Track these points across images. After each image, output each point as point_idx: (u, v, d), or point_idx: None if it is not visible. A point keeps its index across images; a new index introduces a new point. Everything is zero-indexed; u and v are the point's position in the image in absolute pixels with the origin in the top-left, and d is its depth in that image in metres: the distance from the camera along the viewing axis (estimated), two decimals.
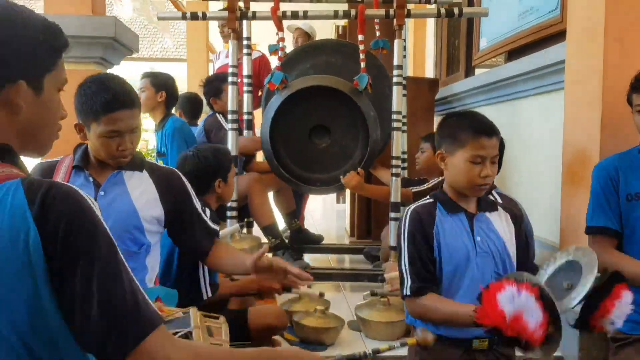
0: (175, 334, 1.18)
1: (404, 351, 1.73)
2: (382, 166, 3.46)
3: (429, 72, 5.59)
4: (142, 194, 1.78)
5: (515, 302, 1.35)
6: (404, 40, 3.23)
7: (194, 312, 1.30)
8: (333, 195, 7.50)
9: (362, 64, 3.06)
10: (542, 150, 2.94)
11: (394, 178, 3.00)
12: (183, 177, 1.87)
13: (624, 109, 1.92)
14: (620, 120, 2.03)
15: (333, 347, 2.26)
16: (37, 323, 0.84)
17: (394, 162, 3.00)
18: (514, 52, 3.47)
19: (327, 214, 7.14)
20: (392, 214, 3.00)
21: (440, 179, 3.17)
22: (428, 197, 1.75)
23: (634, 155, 1.89)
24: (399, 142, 3.07)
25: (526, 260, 1.74)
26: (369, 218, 4.36)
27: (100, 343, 0.85)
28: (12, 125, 0.92)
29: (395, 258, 2.95)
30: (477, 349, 1.62)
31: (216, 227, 1.97)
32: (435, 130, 1.78)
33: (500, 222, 1.70)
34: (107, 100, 1.65)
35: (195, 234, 1.88)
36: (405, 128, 3.59)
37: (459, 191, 1.67)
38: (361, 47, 3.07)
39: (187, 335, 1.22)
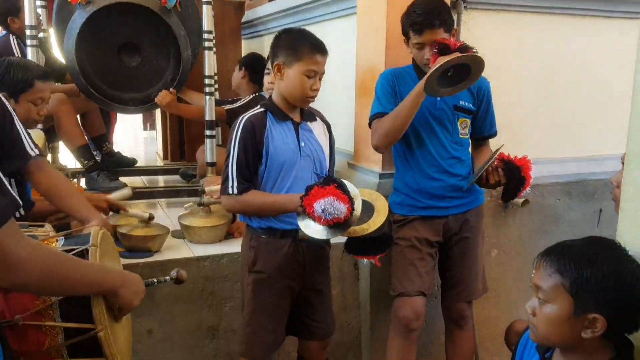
0: (70, 250, 1.23)
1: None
2: (190, 89, 3.54)
3: None
4: None
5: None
6: None
7: (94, 231, 1.33)
8: (140, 123, 7.30)
9: None
10: (338, 69, 3.28)
11: (207, 97, 3.12)
12: None
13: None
14: (402, 40, 2.40)
15: (160, 253, 2.40)
16: None
17: (207, 81, 3.11)
18: None
19: (135, 140, 6.96)
20: (208, 132, 3.15)
21: (251, 97, 3.38)
22: (259, 106, 1.95)
23: (409, 71, 2.29)
24: (211, 62, 3.17)
25: (332, 166, 2.09)
26: (182, 141, 4.43)
27: None
28: None
29: (213, 173, 3.16)
30: (302, 238, 1.92)
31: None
32: (271, 43, 1.94)
33: (319, 131, 2.02)
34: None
35: None
36: (214, 49, 3.68)
37: (290, 102, 1.91)
38: None
39: (83, 253, 1.25)
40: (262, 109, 1.93)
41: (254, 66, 3.44)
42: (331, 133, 2.10)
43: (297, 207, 1.78)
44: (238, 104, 3.33)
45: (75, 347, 1.24)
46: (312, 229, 1.77)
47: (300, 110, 1.98)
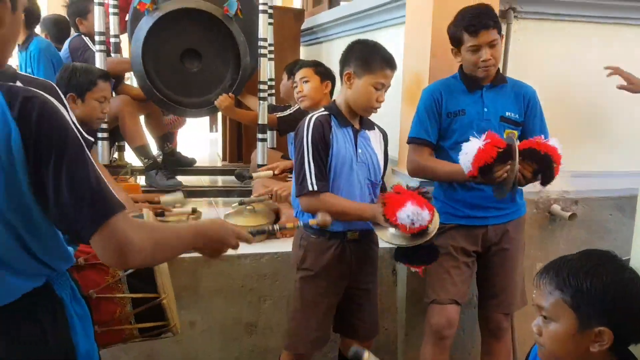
0: None
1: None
2: (249, 93, 3.68)
3: (297, 3, 5.78)
4: None
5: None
6: None
7: (146, 212, 1.50)
8: (206, 125, 7.59)
9: None
10: None
11: (261, 102, 3.24)
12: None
13: (448, 41, 2.31)
14: (446, 49, 2.41)
15: None
16: (15, 204, 1.00)
17: (261, 87, 3.24)
18: None
19: (200, 141, 7.24)
20: (260, 136, 3.27)
21: (299, 106, 3.46)
22: (323, 109, 2.04)
23: (454, 81, 2.29)
24: (265, 69, 3.30)
25: (384, 174, 2.14)
26: (240, 143, 4.59)
27: (71, 222, 1.02)
28: None
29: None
30: (350, 239, 2.03)
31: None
32: (343, 52, 2.02)
33: (375, 139, 2.09)
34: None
35: None
36: (272, 56, 3.80)
37: (354, 110, 1.99)
38: None
39: None
40: (326, 112, 2.01)
41: None
42: (386, 142, 2.15)
43: (377, 216, 1.85)
44: (287, 112, 3.41)
45: (141, 313, 1.44)
46: (391, 236, 1.85)
47: (360, 119, 2.05)
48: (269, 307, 2.53)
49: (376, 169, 2.07)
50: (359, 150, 2.00)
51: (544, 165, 1.99)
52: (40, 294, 1.11)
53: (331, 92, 2.81)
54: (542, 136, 2.03)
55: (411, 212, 1.76)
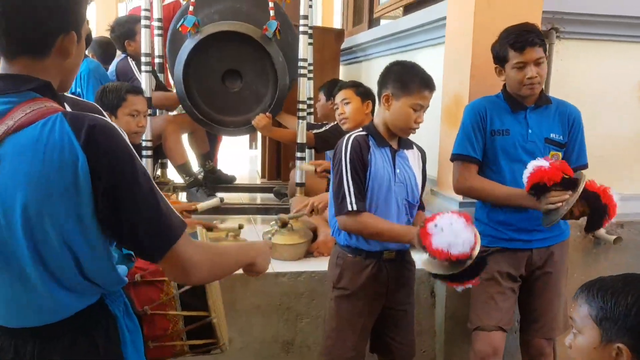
0: None
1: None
2: (285, 112, 3.73)
3: (337, 23, 5.85)
4: None
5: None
6: None
7: (200, 231, 1.56)
8: (247, 142, 7.71)
9: (271, 12, 3.28)
10: None
11: (300, 121, 3.28)
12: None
13: (490, 63, 2.30)
14: (486, 70, 2.40)
15: None
16: (78, 229, 1.04)
17: (300, 106, 3.28)
18: (410, 7, 3.81)
19: (240, 158, 7.36)
20: (299, 154, 3.31)
21: (335, 122, 3.48)
22: (361, 129, 2.06)
23: (497, 100, 2.26)
24: (304, 88, 3.34)
25: (422, 194, 2.13)
26: (279, 161, 4.65)
27: (143, 247, 1.09)
28: (60, 69, 1.09)
29: (301, 193, 3.30)
30: (387, 259, 2.02)
31: None
32: (381, 74, 2.04)
33: (414, 159, 2.08)
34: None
35: None
36: (311, 75, 3.85)
37: (392, 131, 1.99)
38: None
39: None
40: (364, 133, 2.02)
41: None
42: (424, 161, 2.15)
43: (414, 241, 1.82)
44: (324, 128, 3.44)
45: (192, 330, 1.50)
46: (428, 263, 1.79)
47: (399, 139, 2.05)
48: (305, 326, 2.54)
49: (414, 189, 2.06)
50: (397, 170, 2.00)
51: (596, 213, 1.98)
52: (94, 310, 1.15)
53: (372, 112, 2.82)
54: (611, 188, 1.99)
55: (449, 238, 1.67)
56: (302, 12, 3.27)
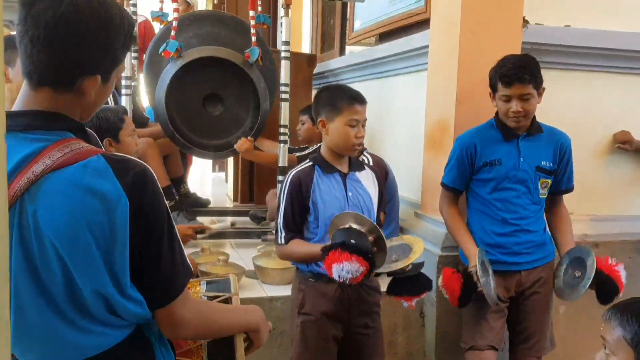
0: (216, 297, 1.39)
1: None
2: (263, 137, 3.74)
3: (305, 48, 5.94)
4: None
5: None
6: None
7: (233, 279, 1.49)
8: (209, 164, 7.64)
9: (253, 38, 3.31)
10: (406, 121, 3.42)
11: (281, 145, 3.30)
12: None
13: (476, 89, 2.40)
14: (474, 97, 2.50)
15: None
16: (109, 274, 1.01)
17: (281, 130, 3.30)
18: (385, 35, 3.92)
19: (204, 181, 7.27)
20: (280, 177, 3.31)
21: (319, 145, 3.52)
22: (308, 160, 2.09)
23: (489, 129, 2.32)
24: (287, 112, 3.36)
25: (391, 212, 2.17)
26: (251, 184, 4.64)
27: (158, 292, 1.06)
28: (78, 106, 1.07)
29: None
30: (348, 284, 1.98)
31: None
32: (312, 102, 2.10)
33: (367, 180, 2.10)
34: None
35: None
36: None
37: (338, 152, 2.03)
38: (252, 22, 3.32)
39: (227, 300, 1.40)
40: (310, 163, 2.06)
41: None
42: (384, 180, 2.19)
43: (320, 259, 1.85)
44: (307, 151, 3.48)
45: None
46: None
47: (349, 162, 2.09)
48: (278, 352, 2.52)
49: (370, 210, 2.07)
50: (349, 194, 2.02)
51: (604, 288, 2.14)
52: (131, 339, 1.12)
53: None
54: (618, 265, 2.17)
55: (341, 267, 1.74)
56: (284, 39, 3.31)
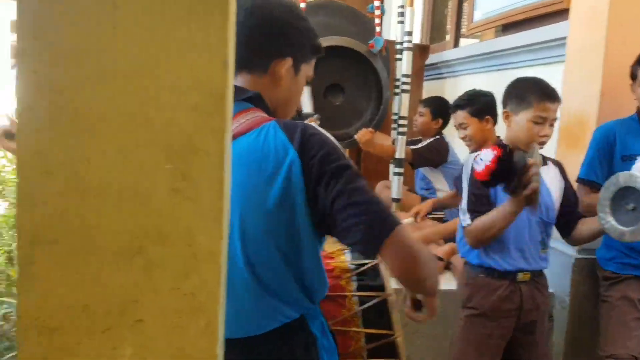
0: (362, 264, 1.42)
1: None
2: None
3: (415, 39, 5.84)
4: None
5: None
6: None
7: (384, 271, 1.50)
8: None
9: (378, 28, 3.31)
10: None
11: (399, 136, 3.27)
12: None
13: (622, 82, 2.27)
14: (619, 91, 2.36)
15: None
16: (290, 231, 1.05)
17: (400, 121, 3.28)
18: (509, 26, 3.77)
19: None
20: (396, 169, 3.29)
21: (433, 139, 3.44)
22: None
23: (630, 122, 2.24)
24: (407, 103, 3.33)
25: (575, 207, 2.06)
26: None
27: (364, 235, 1.02)
28: (271, 95, 1.13)
29: (397, 209, 3.28)
30: (521, 281, 1.97)
31: None
32: (504, 91, 2.02)
33: (548, 175, 2.02)
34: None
35: None
36: (398, 91, 3.83)
37: (517, 147, 1.94)
38: (377, 12, 3.31)
39: (383, 302, 1.44)
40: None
41: (441, 110, 3.47)
42: (565, 174, 2.08)
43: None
44: (420, 145, 3.41)
45: (373, 349, 1.43)
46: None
47: None
48: (422, 344, 2.51)
49: (549, 207, 2.00)
50: None
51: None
52: (296, 328, 1.15)
53: (494, 122, 2.70)
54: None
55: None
56: (407, 29, 3.28)
